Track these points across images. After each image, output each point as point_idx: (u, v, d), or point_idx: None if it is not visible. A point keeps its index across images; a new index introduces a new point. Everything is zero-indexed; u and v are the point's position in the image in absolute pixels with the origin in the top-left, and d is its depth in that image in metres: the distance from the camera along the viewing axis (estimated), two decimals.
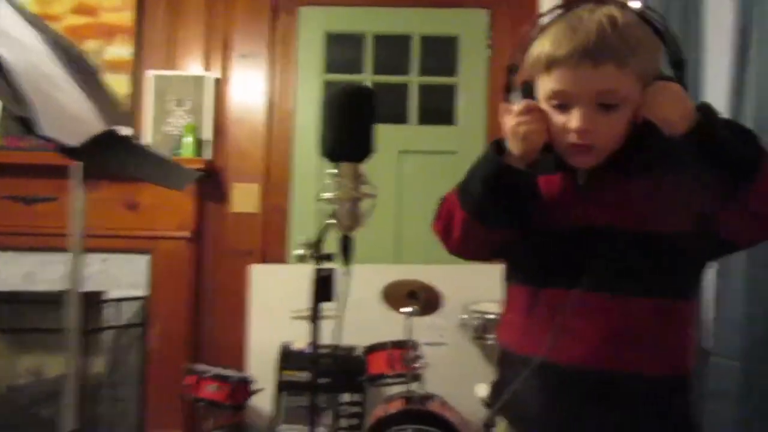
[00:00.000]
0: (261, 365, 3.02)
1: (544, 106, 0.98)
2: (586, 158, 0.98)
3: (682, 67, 0.96)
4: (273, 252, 3.29)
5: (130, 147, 1.09)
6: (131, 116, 3.14)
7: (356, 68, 3.38)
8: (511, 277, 1.11)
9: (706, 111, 0.89)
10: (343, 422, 2.95)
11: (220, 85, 3.29)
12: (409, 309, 2.68)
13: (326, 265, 2.18)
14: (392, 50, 3.43)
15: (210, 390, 2.68)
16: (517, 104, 0.98)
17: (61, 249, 2.99)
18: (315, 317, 2.16)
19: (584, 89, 0.93)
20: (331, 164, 1.23)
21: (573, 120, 0.94)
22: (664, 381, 1.00)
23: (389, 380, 2.78)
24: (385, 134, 3.30)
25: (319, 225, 1.62)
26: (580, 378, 0.98)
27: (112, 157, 1.06)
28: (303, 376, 2.85)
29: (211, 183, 3.25)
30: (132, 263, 3.14)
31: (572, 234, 1.00)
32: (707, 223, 0.93)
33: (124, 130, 1.05)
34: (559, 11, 0.99)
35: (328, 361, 2.89)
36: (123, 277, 3.13)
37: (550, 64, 0.95)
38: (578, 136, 0.95)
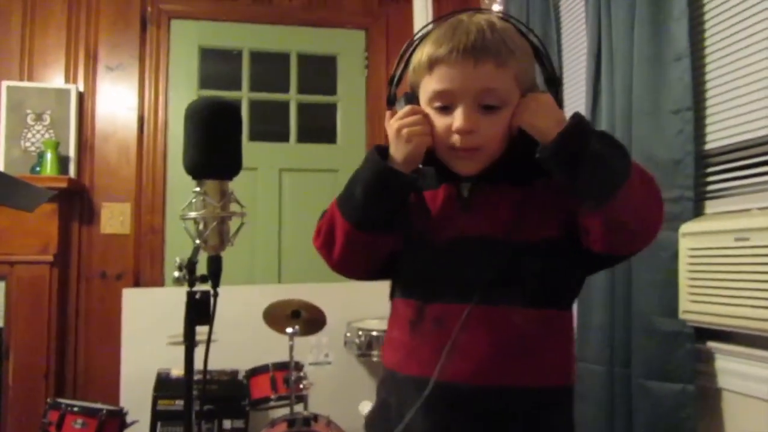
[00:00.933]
0: (136, 395, 2.85)
1: (428, 111, 0.98)
2: (471, 162, 0.98)
3: (556, 84, 1.01)
4: (148, 275, 3.13)
5: None
6: None
7: (233, 84, 3.31)
8: (396, 292, 1.07)
9: (579, 119, 0.91)
10: None
11: (84, 98, 3.08)
12: (291, 329, 2.62)
13: (201, 287, 2.09)
14: (270, 68, 3.39)
15: (76, 426, 2.47)
16: (402, 109, 0.99)
17: None
18: (189, 342, 2.05)
19: (466, 87, 0.94)
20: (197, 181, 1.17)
21: (456, 119, 0.94)
22: (551, 393, 0.99)
23: (273, 403, 2.71)
24: (265, 152, 3.31)
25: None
26: (470, 396, 0.95)
27: None
28: (181, 404, 2.71)
29: (77, 203, 3.04)
30: None
31: (455, 246, 0.99)
32: (574, 233, 0.95)
33: None
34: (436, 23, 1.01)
35: (208, 387, 2.77)
36: None
37: (432, 64, 0.96)
38: (462, 139, 0.95)
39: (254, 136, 3.29)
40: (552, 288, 0.98)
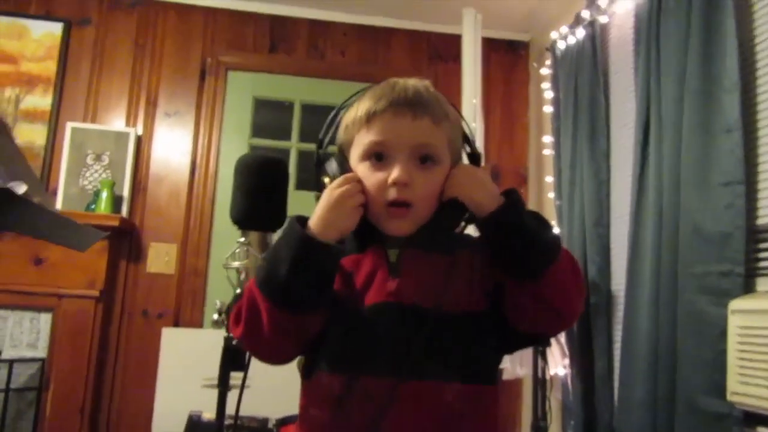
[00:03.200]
0: None
1: (361, 169, 0.96)
2: (403, 222, 0.95)
3: (478, 161, 1.03)
4: (189, 316, 3.17)
5: (25, 205, 1.02)
6: (36, 178, 3.02)
7: (283, 134, 3.40)
8: (316, 367, 0.96)
9: (514, 195, 0.93)
10: None
11: (142, 141, 3.22)
12: None
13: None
14: (320, 119, 3.44)
15: None
16: (335, 178, 0.95)
17: None
18: (222, 387, 2.05)
19: (404, 139, 0.94)
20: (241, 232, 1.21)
21: (394, 171, 0.93)
22: None
23: None
24: (311, 201, 3.34)
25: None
26: None
27: (4, 214, 1.00)
28: None
29: (125, 241, 3.13)
30: (32, 321, 2.95)
31: (384, 313, 0.93)
32: (498, 308, 0.94)
33: (20, 188, 0.99)
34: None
35: None
36: (21, 336, 2.93)
37: (370, 117, 0.96)
38: (398, 191, 0.93)
39: (301, 185, 3.36)
40: (480, 362, 0.96)
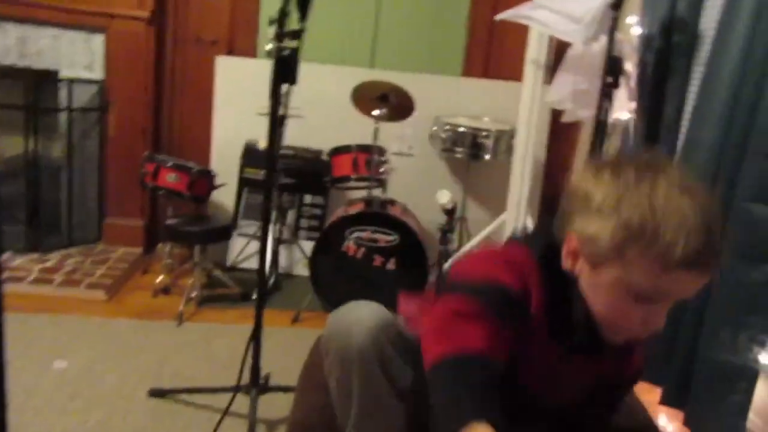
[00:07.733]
0: (225, 161, 2.98)
1: (615, 291, 0.86)
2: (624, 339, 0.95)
3: None
4: (241, 44, 3.10)
5: None
6: None
7: None
8: None
9: None
10: (304, 222, 2.99)
11: None
12: (378, 111, 2.58)
13: (290, 43, 2.01)
14: None
15: (170, 179, 2.63)
16: None
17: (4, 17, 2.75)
18: (275, 98, 2.03)
19: (688, 294, 0.86)
20: None
21: (660, 319, 0.87)
22: None
23: (352, 183, 2.76)
24: None
25: None
26: None
27: None
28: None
29: None
30: (86, 42, 2.92)
31: (554, 411, 1.03)
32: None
33: None
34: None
35: (293, 161, 2.84)
36: (76, 57, 2.92)
37: (669, 264, 0.80)
38: (645, 333, 0.89)
39: None
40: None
